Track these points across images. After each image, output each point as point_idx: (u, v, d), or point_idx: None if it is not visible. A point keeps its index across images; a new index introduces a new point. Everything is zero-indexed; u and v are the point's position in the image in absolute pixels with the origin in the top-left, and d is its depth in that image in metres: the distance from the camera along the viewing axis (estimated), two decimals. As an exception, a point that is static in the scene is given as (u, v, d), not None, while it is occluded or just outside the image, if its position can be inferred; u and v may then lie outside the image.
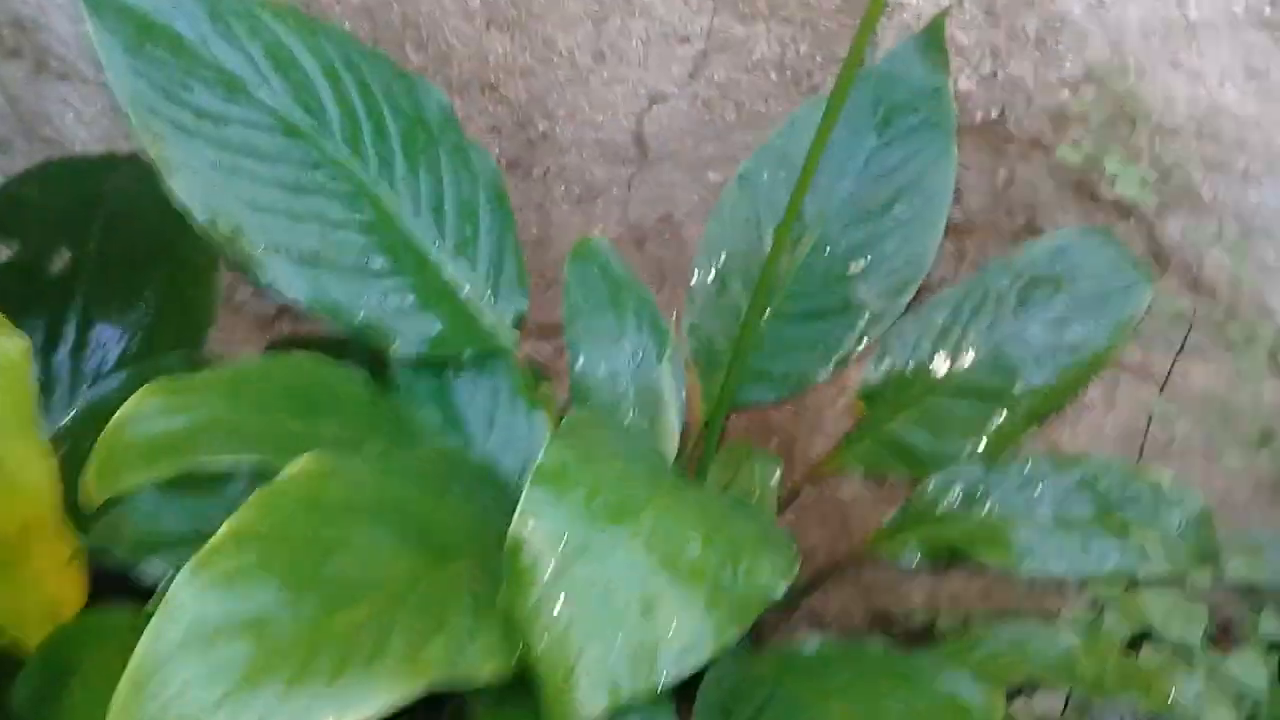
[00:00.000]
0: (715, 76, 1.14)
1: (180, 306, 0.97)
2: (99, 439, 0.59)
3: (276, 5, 0.87)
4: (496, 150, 1.19)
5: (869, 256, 1.03)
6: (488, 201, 0.89)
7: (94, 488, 0.58)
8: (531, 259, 1.03)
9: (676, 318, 1.00)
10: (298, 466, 0.55)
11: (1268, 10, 1.04)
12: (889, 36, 1.10)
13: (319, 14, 1.14)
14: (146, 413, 0.60)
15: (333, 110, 0.84)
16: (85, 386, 0.91)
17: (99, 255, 1.00)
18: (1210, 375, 1.14)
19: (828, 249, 1.03)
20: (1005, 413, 0.95)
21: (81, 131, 1.20)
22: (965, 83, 1.10)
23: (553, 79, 1.15)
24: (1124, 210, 1.12)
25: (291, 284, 0.74)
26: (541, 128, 1.17)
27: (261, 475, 0.60)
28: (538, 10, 1.13)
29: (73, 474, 0.66)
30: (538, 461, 0.55)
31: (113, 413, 0.65)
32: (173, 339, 0.95)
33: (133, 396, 0.61)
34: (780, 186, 1.04)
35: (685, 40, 1.13)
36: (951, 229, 1.15)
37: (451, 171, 0.87)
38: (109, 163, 1.05)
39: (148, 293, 0.97)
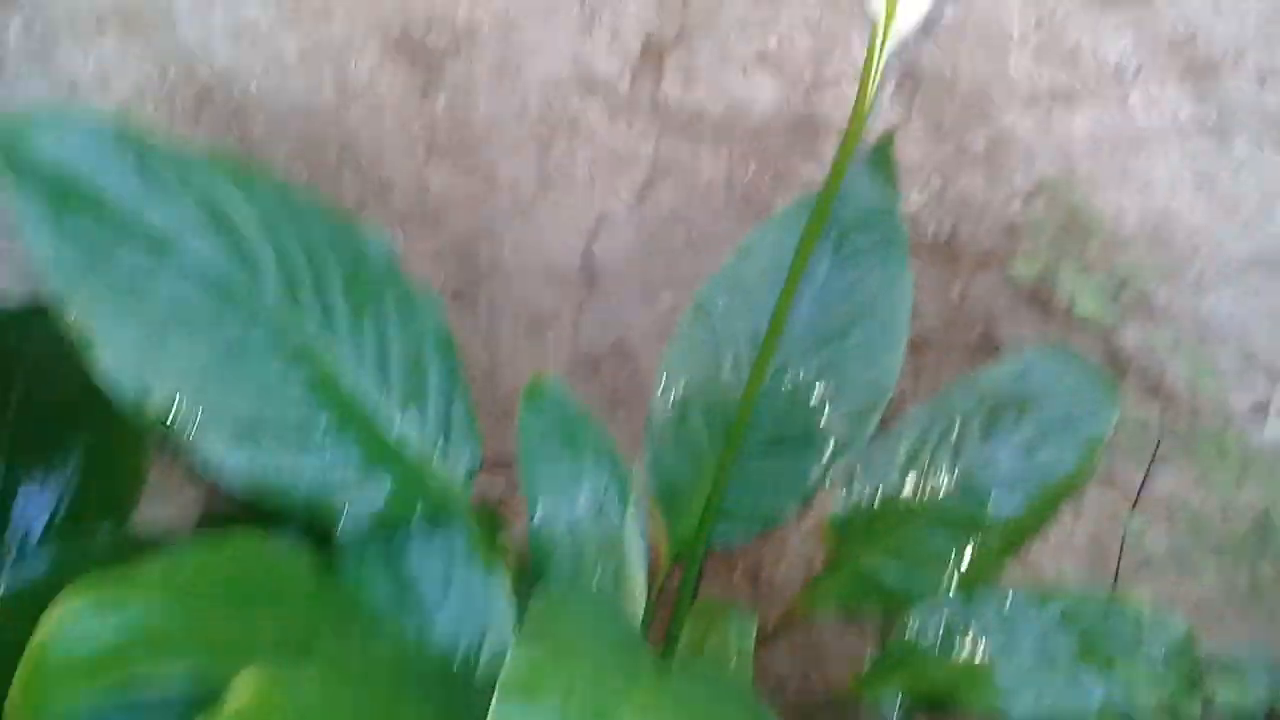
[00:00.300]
0: (663, 199, 1.12)
1: (109, 467, 0.91)
2: (24, 655, 0.54)
3: (211, 153, 0.83)
4: (441, 280, 1.15)
5: (831, 382, 1.00)
6: (435, 349, 0.85)
7: (21, 712, 0.52)
8: (482, 392, 0.99)
9: (638, 453, 0.96)
10: (240, 700, 0.50)
11: (1214, 117, 1.04)
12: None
13: (254, 154, 1.10)
14: (72, 623, 0.55)
15: (270, 264, 0.80)
16: (9, 560, 0.86)
17: (22, 412, 0.94)
18: (1177, 482, 1.12)
19: (787, 376, 1.00)
20: (980, 542, 0.92)
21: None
22: (915, 200, 1.09)
23: (497, 207, 1.13)
24: (1080, 320, 1.10)
25: (228, 461, 0.69)
26: (487, 256, 1.14)
27: (204, 682, 0.55)
28: (479, 137, 1.10)
29: (2, 667, 0.61)
30: (504, 672, 0.50)
31: (40, 601, 0.60)
32: (103, 503, 0.89)
33: (58, 604, 0.56)
34: (736, 314, 1.01)
35: (632, 163, 1.11)
36: (909, 345, 1.13)
37: (397, 320, 0.84)
38: (32, 313, 1.00)
39: (75, 453, 0.92)
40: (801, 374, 1.00)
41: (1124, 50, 1.04)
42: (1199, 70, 1.03)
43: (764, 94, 1.08)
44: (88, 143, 0.75)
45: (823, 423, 0.98)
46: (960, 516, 0.94)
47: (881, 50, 0.54)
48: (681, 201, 1.13)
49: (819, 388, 1.00)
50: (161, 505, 1.02)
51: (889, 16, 0.54)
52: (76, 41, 1.09)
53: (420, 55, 1.08)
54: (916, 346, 1.14)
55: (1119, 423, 1.07)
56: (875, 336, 1.01)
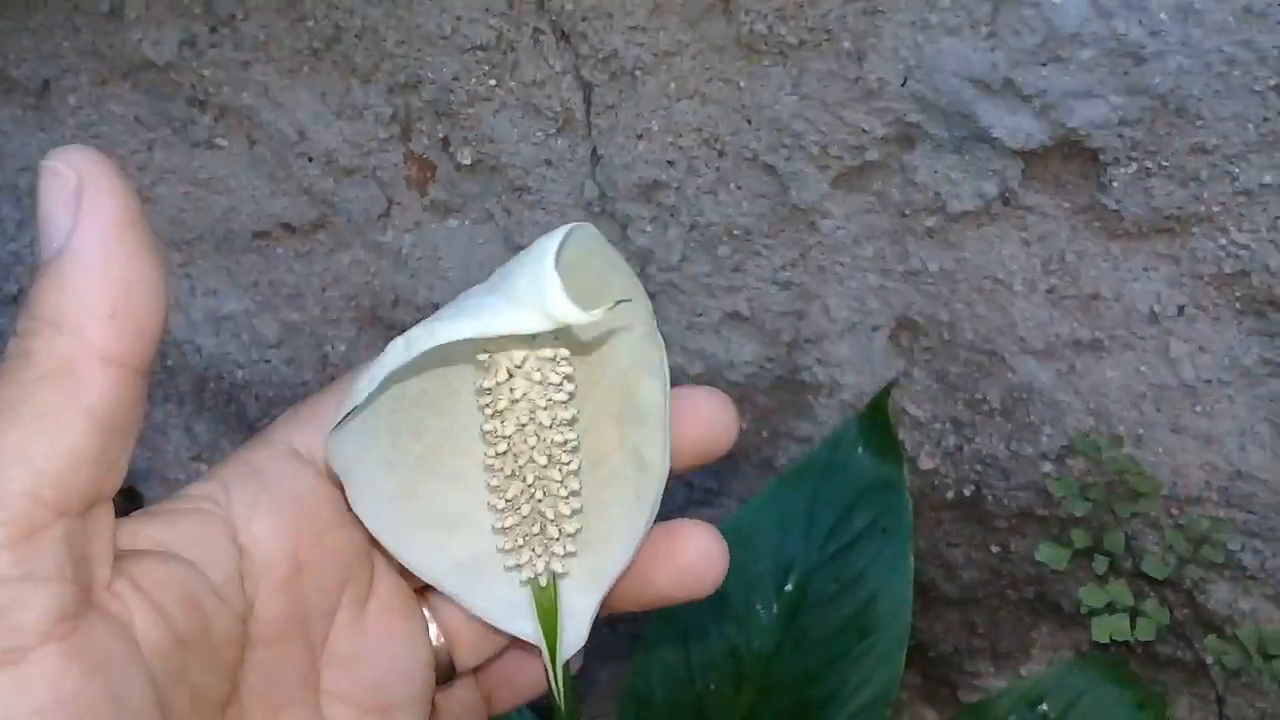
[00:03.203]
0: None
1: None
2: None
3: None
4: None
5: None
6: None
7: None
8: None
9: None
10: None
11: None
12: (829, 416, 0.95)
13: (254, 430, 1.10)
14: None
15: None
16: None
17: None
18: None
19: (774, 695, 0.90)
20: None
21: None
22: (928, 460, 0.94)
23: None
24: (1143, 579, 0.92)
25: None
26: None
27: None
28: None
29: None
30: None
31: None
32: None
33: None
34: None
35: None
36: (952, 602, 0.99)
37: None
38: None
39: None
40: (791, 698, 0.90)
41: (1156, 292, 0.84)
42: (1259, 306, 0.81)
43: (742, 353, 0.95)
44: None
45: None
46: None
47: (555, 668, 0.45)
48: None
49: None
50: None
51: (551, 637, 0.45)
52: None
53: (393, 330, 1.03)
54: (961, 603, 1.00)
55: None
56: (872, 646, 0.89)
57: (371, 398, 0.39)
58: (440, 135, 0.94)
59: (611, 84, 0.88)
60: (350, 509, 0.41)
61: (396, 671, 0.44)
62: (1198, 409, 0.85)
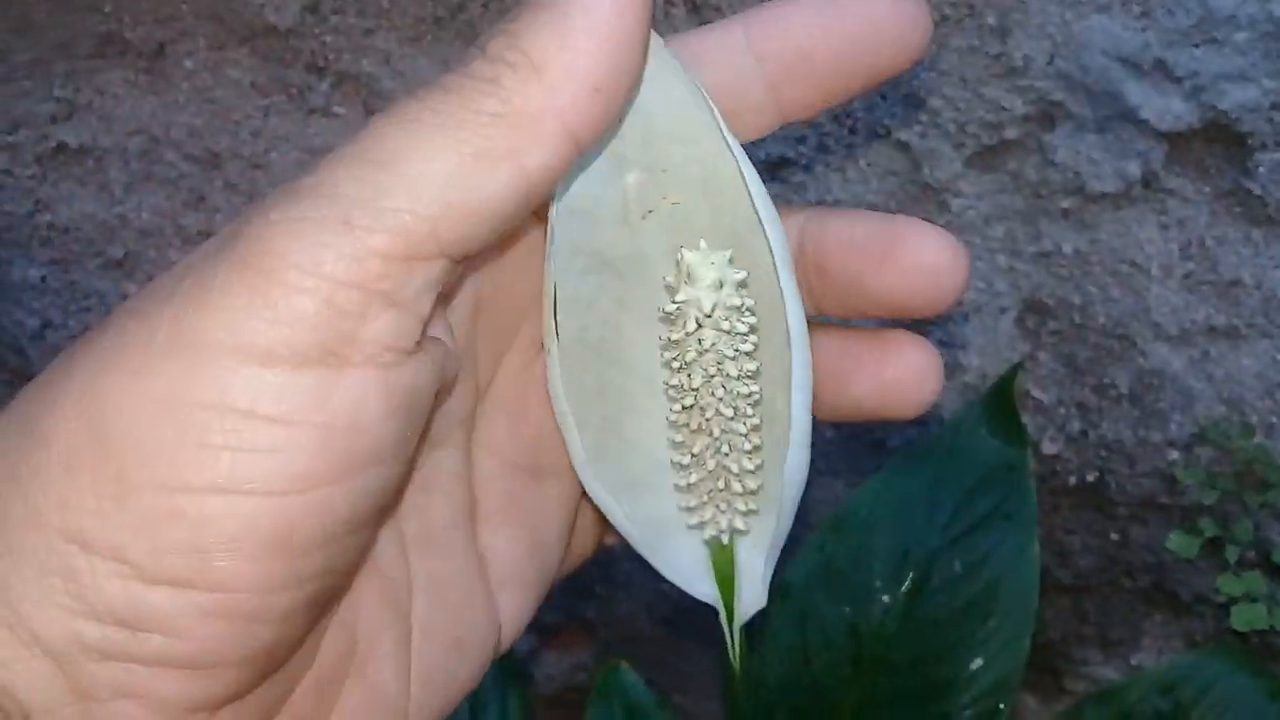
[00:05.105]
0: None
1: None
2: None
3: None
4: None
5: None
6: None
7: None
8: None
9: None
10: None
11: None
12: (947, 399, 0.94)
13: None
14: None
15: None
16: None
17: None
18: None
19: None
20: None
21: None
22: (1050, 445, 0.93)
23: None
24: (1271, 568, 0.91)
25: None
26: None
27: None
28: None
29: None
30: None
31: None
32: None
33: None
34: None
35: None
36: (1064, 589, 0.98)
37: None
38: None
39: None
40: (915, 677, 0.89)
41: (1299, 280, 0.82)
42: None
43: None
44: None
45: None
46: None
47: (733, 630, 0.45)
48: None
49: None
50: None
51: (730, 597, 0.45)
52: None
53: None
54: (1074, 589, 0.99)
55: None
56: (996, 630, 0.88)
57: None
58: (562, 107, 0.93)
59: (742, 57, 0.87)
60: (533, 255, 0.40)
61: (554, 433, 0.42)
62: (1335, 399, 0.84)
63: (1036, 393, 0.91)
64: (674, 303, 0.40)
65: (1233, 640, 0.92)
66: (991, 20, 0.80)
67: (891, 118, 0.85)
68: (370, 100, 0.97)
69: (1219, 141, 0.80)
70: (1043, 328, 0.90)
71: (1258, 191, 0.80)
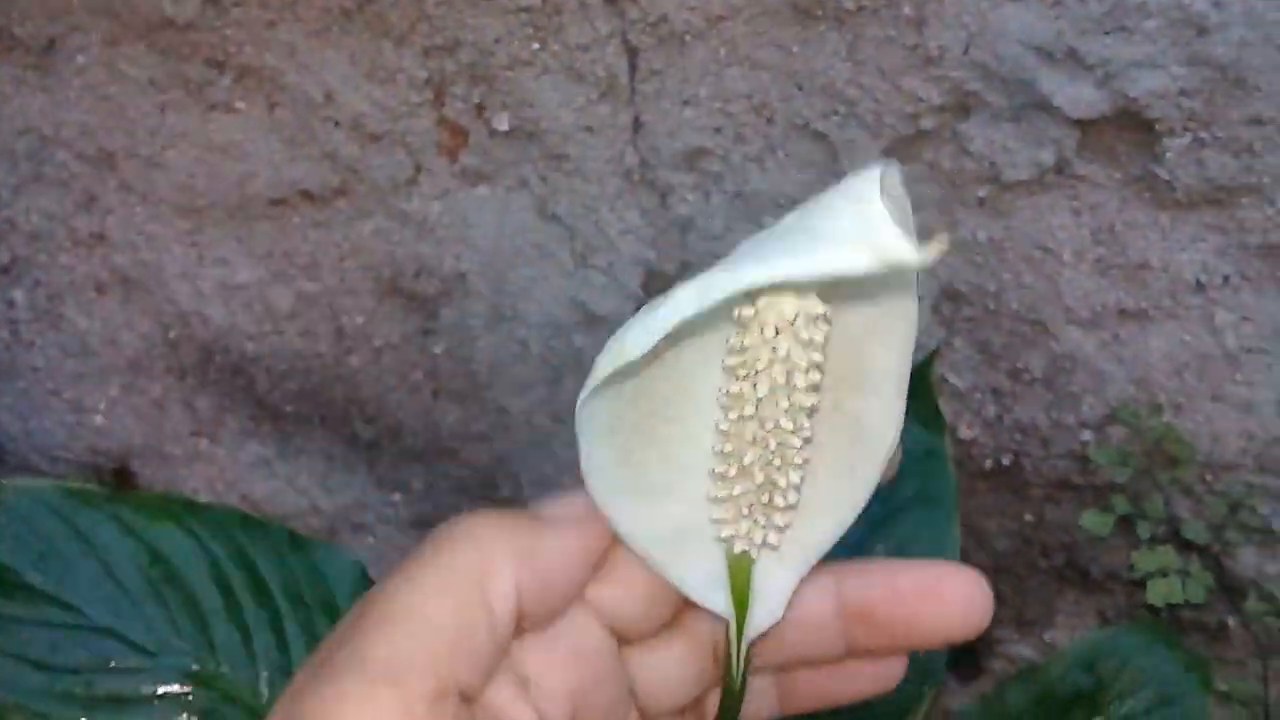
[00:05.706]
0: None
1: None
2: None
3: (151, 499, 0.79)
4: (467, 506, 1.09)
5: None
6: None
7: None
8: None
9: None
10: None
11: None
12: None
13: (263, 404, 1.06)
14: None
15: (222, 627, 0.76)
16: None
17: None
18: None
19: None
20: None
21: None
22: (967, 430, 0.94)
23: (514, 442, 1.05)
24: (1181, 543, 0.94)
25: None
26: (506, 491, 1.07)
27: None
28: (484, 379, 1.02)
29: None
30: None
31: None
32: None
33: None
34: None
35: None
36: (982, 571, 0.99)
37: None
38: None
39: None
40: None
41: (1202, 262, 0.85)
42: (1306, 277, 0.83)
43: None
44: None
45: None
46: None
47: (739, 644, 0.44)
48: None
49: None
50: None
51: (741, 608, 0.44)
52: (80, 305, 1.06)
53: (414, 302, 1.01)
54: (992, 571, 1.00)
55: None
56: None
57: (645, 356, 0.38)
58: (476, 100, 0.91)
59: (659, 49, 0.86)
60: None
61: None
62: (1238, 377, 0.87)
63: (952, 378, 0.93)
64: (753, 307, 0.38)
65: (1145, 615, 0.95)
66: (908, 10, 0.81)
67: (809, 108, 0.86)
68: (274, 94, 0.94)
69: (1129, 128, 0.82)
70: (958, 314, 0.91)
71: (1166, 176, 0.82)
